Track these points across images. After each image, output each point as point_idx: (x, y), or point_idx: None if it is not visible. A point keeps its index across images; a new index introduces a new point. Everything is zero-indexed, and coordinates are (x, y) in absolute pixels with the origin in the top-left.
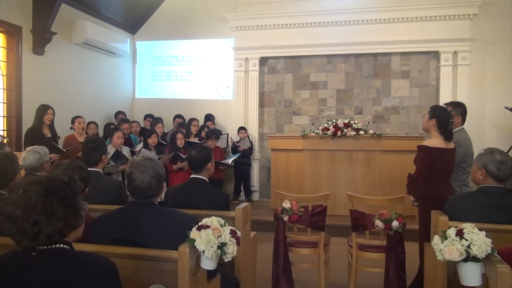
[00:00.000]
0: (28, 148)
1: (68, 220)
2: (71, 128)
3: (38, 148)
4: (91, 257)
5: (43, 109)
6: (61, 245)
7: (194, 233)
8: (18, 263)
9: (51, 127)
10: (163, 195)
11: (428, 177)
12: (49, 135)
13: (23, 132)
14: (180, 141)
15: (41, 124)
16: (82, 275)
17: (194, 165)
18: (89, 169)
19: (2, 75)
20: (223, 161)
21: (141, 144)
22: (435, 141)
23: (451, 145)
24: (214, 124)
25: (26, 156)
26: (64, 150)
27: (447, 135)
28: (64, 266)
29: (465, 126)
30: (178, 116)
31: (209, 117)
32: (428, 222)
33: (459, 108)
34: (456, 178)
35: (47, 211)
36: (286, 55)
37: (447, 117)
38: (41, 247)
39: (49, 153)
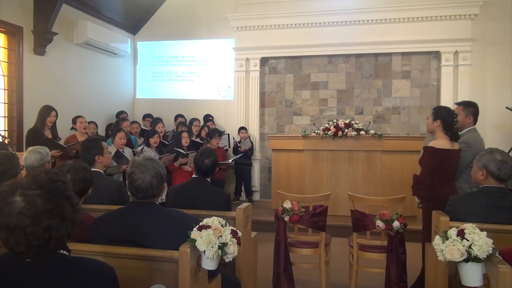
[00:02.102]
0: (30, 148)
1: (75, 220)
2: (72, 128)
3: (40, 148)
4: (89, 263)
5: (46, 111)
6: (58, 251)
7: (195, 233)
8: (11, 268)
9: (53, 128)
10: (164, 196)
11: (434, 178)
12: (49, 136)
13: (24, 133)
14: (185, 139)
15: (43, 125)
16: (79, 282)
17: (206, 172)
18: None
19: (3, 75)
20: (223, 162)
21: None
22: (442, 142)
23: (456, 146)
24: (214, 124)
25: (28, 156)
26: (66, 146)
27: (452, 135)
28: (59, 273)
29: None
30: (180, 115)
31: (207, 117)
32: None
33: (471, 108)
34: (467, 179)
35: (57, 215)
36: (286, 55)
37: (451, 117)
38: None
39: (50, 150)
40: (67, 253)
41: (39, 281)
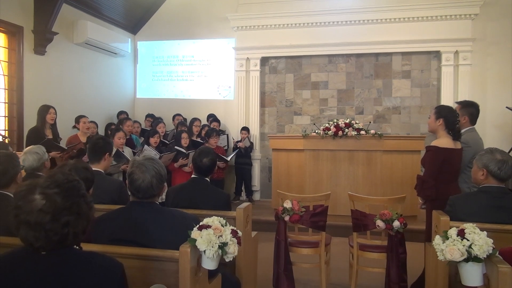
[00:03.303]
0: (25, 150)
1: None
2: (74, 127)
3: (36, 148)
4: (99, 258)
5: (45, 109)
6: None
7: (195, 233)
8: (26, 262)
9: (54, 127)
10: (164, 196)
11: (438, 178)
12: (50, 136)
13: (25, 132)
14: (185, 140)
15: (44, 124)
16: (89, 275)
17: (205, 171)
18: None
19: (4, 75)
20: (222, 156)
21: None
22: (444, 141)
23: (459, 145)
24: (219, 125)
25: (26, 158)
26: (66, 148)
27: (455, 134)
28: (71, 266)
29: None
30: (178, 114)
31: (213, 118)
32: None
33: (468, 108)
34: (466, 179)
35: (74, 212)
36: (287, 55)
37: (454, 116)
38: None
39: (50, 152)
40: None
41: (52, 273)
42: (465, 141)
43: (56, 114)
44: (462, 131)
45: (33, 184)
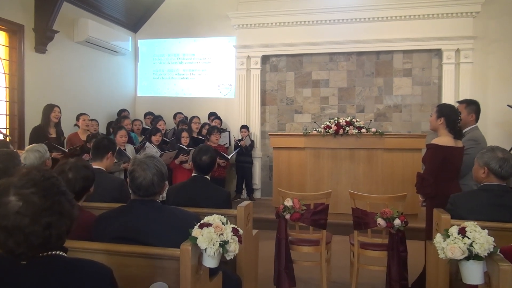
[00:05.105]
0: (27, 148)
1: (73, 216)
2: (75, 125)
3: (37, 146)
4: (86, 264)
5: (50, 108)
6: (54, 252)
7: (196, 231)
8: (6, 271)
9: (58, 126)
10: (165, 194)
11: (438, 176)
12: (54, 134)
13: (26, 131)
14: (185, 139)
15: (48, 122)
16: (77, 283)
17: (205, 169)
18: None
19: (5, 73)
20: (223, 153)
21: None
22: (445, 139)
23: (460, 144)
24: (221, 123)
25: (27, 156)
26: (66, 150)
27: (456, 133)
28: (57, 273)
29: None
30: (179, 113)
31: (215, 116)
32: None
33: (473, 106)
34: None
35: (56, 211)
36: (288, 53)
37: (455, 115)
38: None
39: (52, 152)
40: (63, 253)
41: (35, 284)
42: (474, 138)
43: (60, 112)
44: (468, 129)
45: (6, 184)
